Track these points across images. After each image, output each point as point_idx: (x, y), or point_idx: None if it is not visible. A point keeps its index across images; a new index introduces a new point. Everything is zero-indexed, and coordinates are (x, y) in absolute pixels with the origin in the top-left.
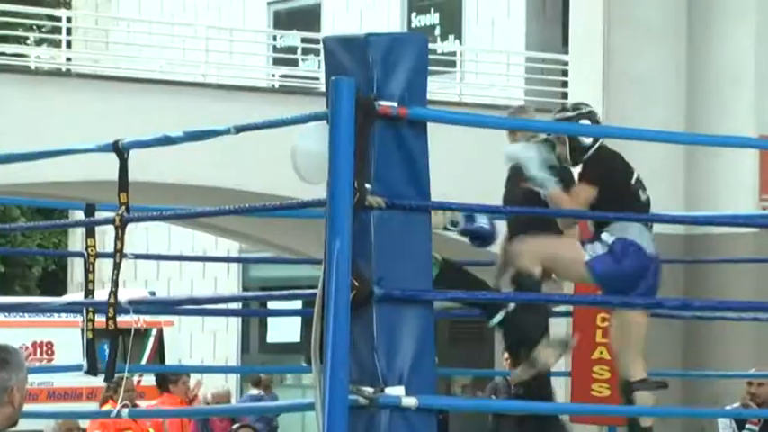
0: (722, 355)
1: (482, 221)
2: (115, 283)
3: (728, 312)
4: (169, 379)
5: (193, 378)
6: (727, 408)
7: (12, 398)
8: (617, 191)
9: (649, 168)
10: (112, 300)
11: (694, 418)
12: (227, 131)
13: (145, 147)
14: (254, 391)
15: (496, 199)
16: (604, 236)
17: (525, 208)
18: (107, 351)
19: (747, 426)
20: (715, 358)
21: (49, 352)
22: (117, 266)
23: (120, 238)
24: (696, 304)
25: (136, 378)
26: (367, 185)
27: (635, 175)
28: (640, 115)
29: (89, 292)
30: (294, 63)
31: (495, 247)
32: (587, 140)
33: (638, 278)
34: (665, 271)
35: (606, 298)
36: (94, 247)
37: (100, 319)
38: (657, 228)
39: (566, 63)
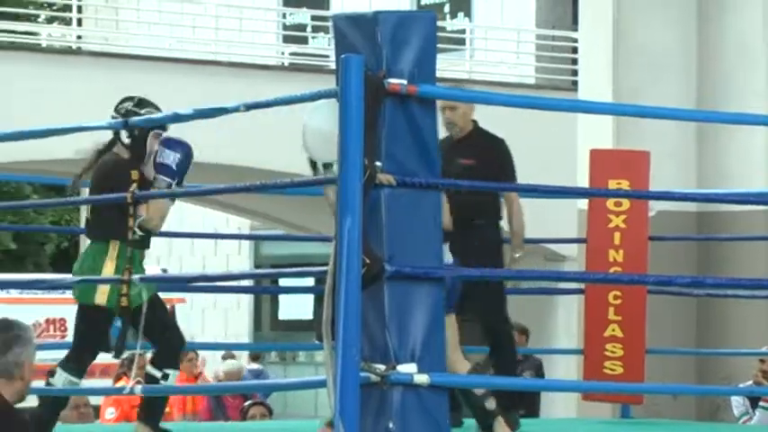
0: (736, 333)
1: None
2: (128, 260)
3: (741, 290)
4: None
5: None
6: (741, 386)
7: (23, 373)
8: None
9: (661, 145)
10: (126, 277)
11: (708, 396)
12: (237, 109)
13: (155, 124)
14: (254, 366)
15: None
16: None
17: None
18: (119, 328)
19: (761, 403)
20: (729, 336)
21: (62, 328)
22: (129, 244)
23: (131, 215)
24: (708, 282)
25: (149, 356)
26: (377, 163)
27: None
28: (651, 91)
29: None
30: (304, 41)
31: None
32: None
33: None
34: (679, 249)
35: (617, 276)
36: None
37: None
38: (669, 205)
39: (576, 40)
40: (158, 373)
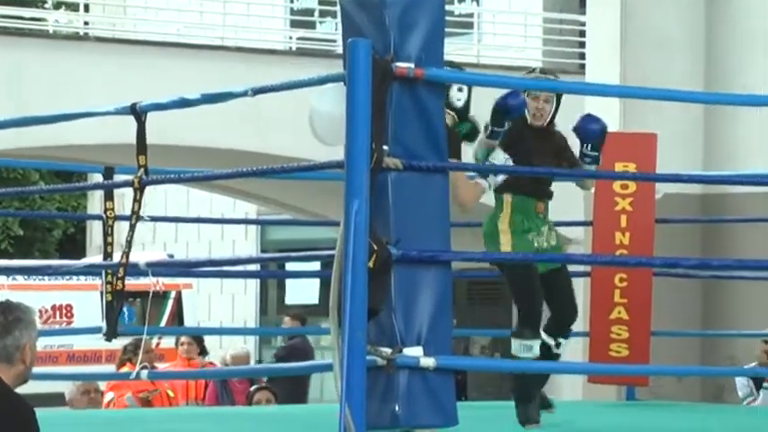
0: (740, 314)
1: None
2: (128, 244)
3: (746, 271)
4: (178, 342)
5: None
6: (745, 367)
7: (24, 356)
8: None
9: (668, 128)
10: (124, 260)
11: (713, 377)
12: (245, 94)
13: (162, 109)
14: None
15: None
16: None
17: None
18: (126, 313)
19: (765, 384)
20: (733, 318)
21: (69, 315)
22: (132, 228)
23: (138, 200)
24: (714, 263)
25: (155, 341)
26: (384, 147)
27: None
28: (660, 74)
29: (108, 255)
30: (311, 25)
31: None
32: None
33: None
34: (684, 231)
35: (624, 259)
36: (113, 209)
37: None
38: (675, 188)
39: (583, 23)
40: (551, 341)
